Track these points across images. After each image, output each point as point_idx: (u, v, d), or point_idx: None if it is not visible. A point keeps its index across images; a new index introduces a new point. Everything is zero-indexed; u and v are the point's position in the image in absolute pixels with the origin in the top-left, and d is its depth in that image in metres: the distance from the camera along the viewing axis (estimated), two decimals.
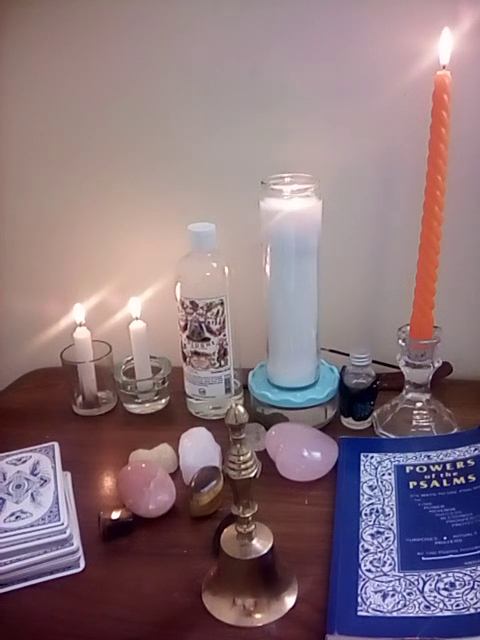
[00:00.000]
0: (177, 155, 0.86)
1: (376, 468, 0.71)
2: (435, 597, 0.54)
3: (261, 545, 0.56)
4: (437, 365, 0.76)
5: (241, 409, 0.51)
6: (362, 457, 0.73)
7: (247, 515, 0.55)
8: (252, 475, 0.53)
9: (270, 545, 0.56)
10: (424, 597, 0.54)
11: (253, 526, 0.56)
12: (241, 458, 0.53)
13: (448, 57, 0.68)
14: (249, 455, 0.53)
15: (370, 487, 0.68)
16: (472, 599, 0.53)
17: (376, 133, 0.81)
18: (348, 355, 0.81)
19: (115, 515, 0.66)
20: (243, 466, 0.53)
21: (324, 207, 0.74)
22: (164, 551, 0.64)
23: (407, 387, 0.78)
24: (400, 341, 0.76)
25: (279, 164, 0.76)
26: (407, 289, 0.75)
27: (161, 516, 0.67)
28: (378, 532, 0.62)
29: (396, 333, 0.77)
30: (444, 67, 0.68)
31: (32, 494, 0.65)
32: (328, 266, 0.78)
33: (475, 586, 0.54)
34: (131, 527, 0.66)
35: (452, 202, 0.71)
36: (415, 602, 0.54)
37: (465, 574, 0.55)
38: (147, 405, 0.86)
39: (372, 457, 0.73)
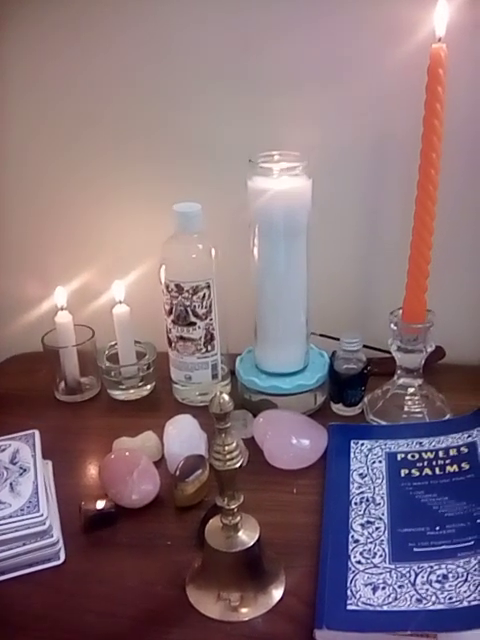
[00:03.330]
0: (162, 132, 0.83)
1: (366, 456, 0.69)
2: (427, 590, 0.52)
3: (247, 537, 0.54)
4: (430, 350, 0.74)
5: (226, 397, 0.49)
6: (352, 444, 0.71)
7: (232, 506, 0.53)
8: (237, 466, 0.51)
9: (256, 537, 0.54)
10: (416, 590, 0.52)
11: (239, 517, 0.54)
12: (226, 448, 0.50)
13: (444, 29, 0.64)
14: (234, 445, 0.51)
15: (360, 475, 0.66)
16: (465, 592, 0.51)
17: (368, 109, 0.78)
18: (338, 340, 0.78)
19: (97, 505, 0.64)
20: (228, 456, 0.51)
21: (314, 186, 0.71)
22: (147, 542, 0.62)
23: (399, 372, 0.76)
24: (392, 325, 0.74)
25: (267, 142, 0.73)
26: (399, 271, 0.72)
27: (145, 506, 0.65)
28: (368, 522, 0.60)
29: (388, 317, 0.74)
30: (440, 39, 0.64)
31: (11, 484, 0.63)
32: (318, 248, 0.75)
33: (469, 578, 0.52)
34: (114, 518, 0.64)
35: (446, 181, 0.69)
36: (406, 595, 0.52)
37: (458, 566, 0.54)
38: (131, 391, 0.84)
39: (362, 444, 0.71)
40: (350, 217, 0.85)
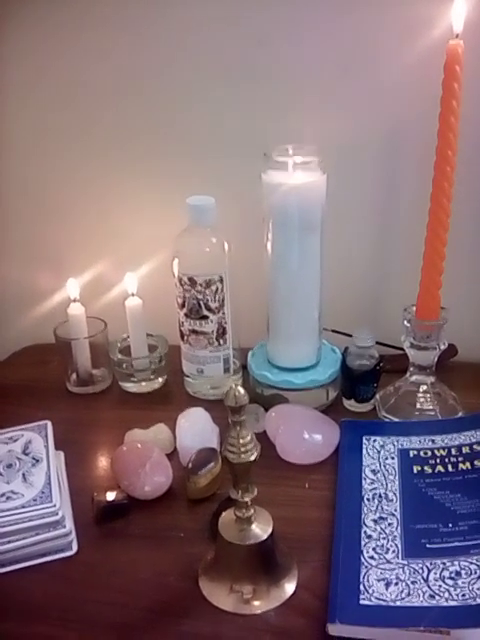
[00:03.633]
0: (177, 125, 0.83)
1: (379, 452, 0.69)
2: (440, 586, 0.52)
3: (260, 530, 0.54)
4: (443, 347, 0.73)
5: (241, 390, 0.49)
6: (364, 440, 0.71)
7: (246, 499, 0.53)
8: (252, 459, 0.51)
9: (270, 530, 0.54)
10: (429, 586, 0.52)
11: (252, 510, 0.54)
12: (241, 441, 0.50)
13: (462, 25, 0.64)
14: (249, 438, 0.51)
15: (373, 471, 0.66)
16: (479, 589, 0.51)
17: (384, 105, 0.77)
18: (350, 336, 0.78)
19: (109, 497, 0.64)
20: (243, 449, 0.51)
21: (328, 181, 0.71)
22: (160, 534, 0.62)
23: (411, 369, 0.76)
24: (405, 322, 0.73)
25: (282, 136, 0.73)
26: (413, 268, 0.72)
27: (157, 498, 0.65)
28: (381, 518, 0.60)
29: (401, 313, 0.74)
30: (457, 36, 0.64)
31: (24, 474, 0.63)
32: (332, 243, 0.75)
33: None
34: (126, 509, 0.64)
35: (462, 178, 0.68)
36: (419, 591, 0.52)
37: (471, 563, 0.53)
38: (143, 384, 0.84)
39: (375, 440, 0.71)
40: (364, 212, 0.84)
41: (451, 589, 0.52)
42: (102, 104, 0.83)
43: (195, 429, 0.71)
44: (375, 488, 0.64)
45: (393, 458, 0.68)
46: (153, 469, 0.66)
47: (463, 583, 0.52)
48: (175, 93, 0.81)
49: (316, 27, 0.75)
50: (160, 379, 0.85)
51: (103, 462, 0.72)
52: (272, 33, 0.77)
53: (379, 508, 0.61)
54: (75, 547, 0.60)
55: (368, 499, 0.63)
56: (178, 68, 0.80)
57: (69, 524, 0.61)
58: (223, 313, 0.77)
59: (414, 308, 0.74)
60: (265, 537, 0.54)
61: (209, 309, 0.76)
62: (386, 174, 0.81)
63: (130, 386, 0.84)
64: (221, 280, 0.76)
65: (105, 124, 0.84)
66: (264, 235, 0.74)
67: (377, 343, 0.78)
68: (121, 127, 0.84)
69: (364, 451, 0.69)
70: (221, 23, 0.77)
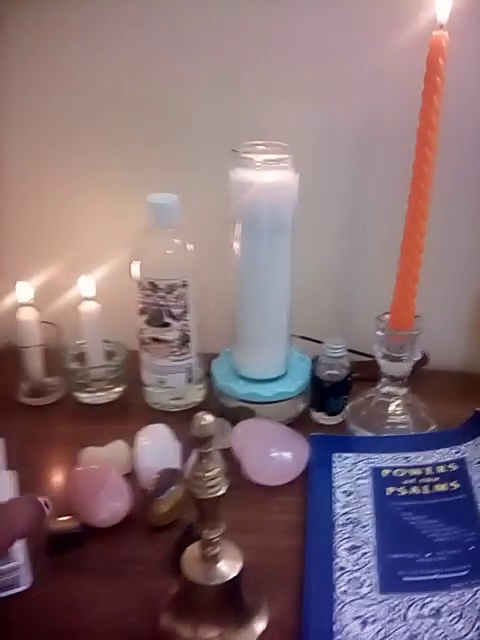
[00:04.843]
0: (137, 117, 0.76)
1: (350, 471, 0.65)
2: (420, 625, 0.49)
3: (228, 567, 0.50)
4: (416, 358, 0.70)
5: (208, 418, 0.44)
6: (334, 458, 0.67)
7: (213, 537, 0.48)
8: (220, 493, 0.46)
9: (239, 567, 0.50)
10: (408, 625, 0.49)
11: (219, 548, 0.49)
12: (208, 474, 0.46)
13: (447, 15, 0.60)
14: (217, 470, 0.46)
15: (344, 493, 0.63)
16: (462, 630, 0.48)
17: (360, 101, 0.73)
18: (320, 342, 0.74)
19: (63, 524, 0.59)
20: (210, 483, 0.46)
21: (300, 180, 0.66)
22: (118, 567, 0.57)
23: (383, 380, 0.73)
24: (378, 331, 0.70)
25: (253, 131, 0.68)
26: (387, 272, 0.68)
27: (115, 525, 0.60)
28: (354, 547, 0.57)
29: (372, 319, 0.71)
30: (441, 26, 0.60)
31: None
32: (302, 245, 0.70)
33: (464, 614, 0.49)
34: (80, 538, 0.59)
35: (441, 179, 0.65)
36: (398, 631, 0.49)
37: (452, 599, 0.50)
38: (100, 394, 0.78)
39: (346, 458, 0.67)
40: (337, 214, 0.80)
41: (432, 629, 0.48)
42: (50, 92, 0.76)
43: (156, 448, 0.66)
44: (347, 512, 0.60)
45: (365, 478, 0.64)
46: (110, 494, 0.60)
47: (444, 623, 0.49)
48: (135, 81, 0.75)
49: (292, 14, 0.70)
50: (118, 389, 0.79)
51: (56, 483, 0.66)
52: (243, 23, 0.71)
53: (352, 535, 0.58)
54: (27, 582, 0.55)
55: (340, 525, 0.59)
56: (138, 54, 0.74)
57: (21, 557, 0.55)
58: (186, 320, 0.72)
59: (387, 316, 0.70)
60: (233, 575, 0.49)
61: (171, 316, 0.71)
62: (361, 175, 0.77)
63: (85, 397, 0.78)
64: (185, 285, 0.70)
65: (56, 114, 0.77)
66: (231, 236, 0.68)
67: (347, 351, 0.74)
68: (73, 117, 0.77)
69: (334, 470, 0.66)
70: (187, 11, 0.71)
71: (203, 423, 0.44)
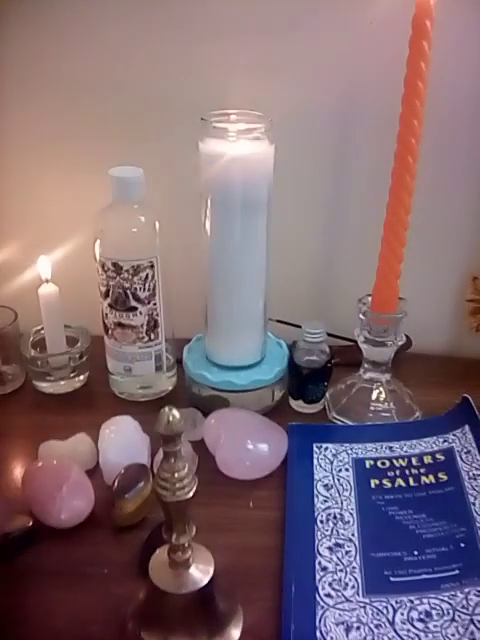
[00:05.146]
0: (97, 81, 0.70)
1: (331, 462, 0.61)
2: (409, 631, 0.45)
3: (200, 573, 0.45)
4: (400, 343, 0.66)
5: (176, 414, 0.39)
6: (315, 448, 0.63)
7: (182, 542, 0.44)
8: (190, 496, 0.42)
9: (211, 572, 0.45)
10: (395, 630, 0.45)
11: (189, 552, 0.45)
12: (176, 475, 0.41)
13: None
14: (186, 471, 0.42)
15: (325, 486, 0.59)
16: (454, 635, 0.44)
17: (341, 66, 0.68)
18: (299, 327, 0.70)
19: (11, 523, 0.54)
20: (178, 485, 0.41)
21: (276, 153, 0.61)
22: (80, 570, 0.52)
23: (365, 366, 0.69)
24: (360, 314, 0.66)
25: (224, 99, 0.63)
26: (369, 252, 0.64)
27: (76, 526, 0.55)
28: (337, 545, 0.53)
29: (352, 302, 0.66)
30: None
31: None
32: (279, 223, 0.65)
33: (456, 617, 0.45)
34: (31, 537, 0.54)
35: (427, 152, 0.60)
36: (385, 637, 0.45)
37: (442, 601, 0.47)
38: (62, 383, 0.73)
39: (326, 449, 0.63)
40: (316, 189, 0.75)
41: (421, 634, 0.45)
42: (2, 62, 0.70)
43: (122, 441, 0.61)
44: (329, 507, 0.56)
45: (348, 470, 0.60)
46: (71, 491, 0.55)
47: (435, 627, 0.45)
48: (95, 44, 0.69)
49: None
50: (81, 377, 0.74)
51: (14, 480, 0.61)
52: None
53: (334, 532, 0.54)
54: None
55: (321, 521, 0.55)
56: (101, 18, 0.67)
57: None
58: (154, 304, 0.67)
59: (370, 299, 0.66)
60: (205, 582, 0.45)
61: (138, 299, 0.66)
62: (342, 146, 0.72)
63: (46, 386, 0.73)
64: (151, 266, 0.65)
65: (8, 83, 0.71)
66: (202, 213, 0.63)
67: (327, 335, 0.70)
68: (27, 83, 0.71)
69: (315, 462, 0.62)
70: None
71: (171, 420, 0.39)
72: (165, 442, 0.40)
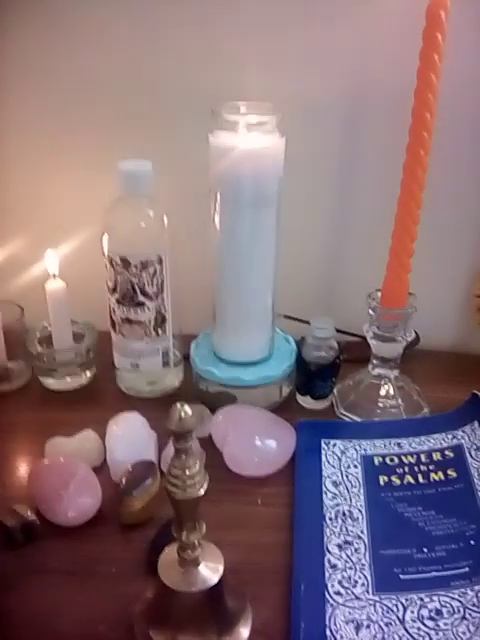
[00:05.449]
0: (107, 74, 0.70)
1: (339, 459, 0.61)
2: (419, 629, 0.45)
3: (209, 571, 0.45)
4: (410, 338, 0.66)
5: (188, 411, 0.39)
6: (323, 445, 0.63)
7: (193, 539, 0.44)
8: (201, 493, 0.41)
9: (220, 570, 0.45)
10: (406, 629, 0.45)
11: (199, 550, 0.45)
12: (187, 473, 0.41)
13: None
14: (197, 468, 0.41)
15: (334, 483, 0.58)
16: (465, 633, 0.44)
17: (354, 58, 0.67)
18: (307, 322, 0.69)
19: (11, 517, 0.53)
20: (189, 482, 0.41)
21: (286, 148, 0.61)
22: (87, 569, 0.52)
23: (374, 362, 0.68)
24: (370, 310, 0.65)
25: (234, 91, 0.62)
26: (379, 248, 0.64)
27: (83, 524, 0.55)
28: (346, 542, 0.52)
29: (361, 297, 0.66)
30: None
31: None
32: (288, 218, 0.65)
33: (467, 616, 0.45)
34: (33, 530, 0.53)
35: (439, 145, 0.60)
36: (395, 635, 0.45)
37: (453, 599, 0.46)
38: (68, 379, 0.72)
39: (334, 445, 0.63)
40: (326, 183, 0.74)
41: (432, 633, 0.44)
42: (14, 51, 0.69)
43: (129, 438, 0.60)
44: (338, 504, 0.56)
45: (356, 466, 0.60)
46: (78, 489, 0.55)
47: (446, 625, 0.45)
48: (105, 37, 0.68)
49: None
50: (87, 373, 0.74)
51: (20, 478, 0.61)
52: None
53: (343, 529, 0.53)
54: None
55: (330, 518, 0.55)
56: (110, 10, 0.67)
57: None
58: (162, 299, 0.66)
59: (379, 294, 0.65)
60: (215, 580, 0.45)
61: (145, 295, 0.65)
62: (353, 140, 0.72)
63: (52, 382, 0.73)
64: (160, 261, 0.65)
65: (17, 72, 0.70)
66: (211, 207, 0.63)
67: (335, 331, 0.70)
68: (38, 77, 0.70)
69: (323, 458, 0.61)
70: None
71: (183, 416, 0.39)
72: (176, 439, 0.40)
